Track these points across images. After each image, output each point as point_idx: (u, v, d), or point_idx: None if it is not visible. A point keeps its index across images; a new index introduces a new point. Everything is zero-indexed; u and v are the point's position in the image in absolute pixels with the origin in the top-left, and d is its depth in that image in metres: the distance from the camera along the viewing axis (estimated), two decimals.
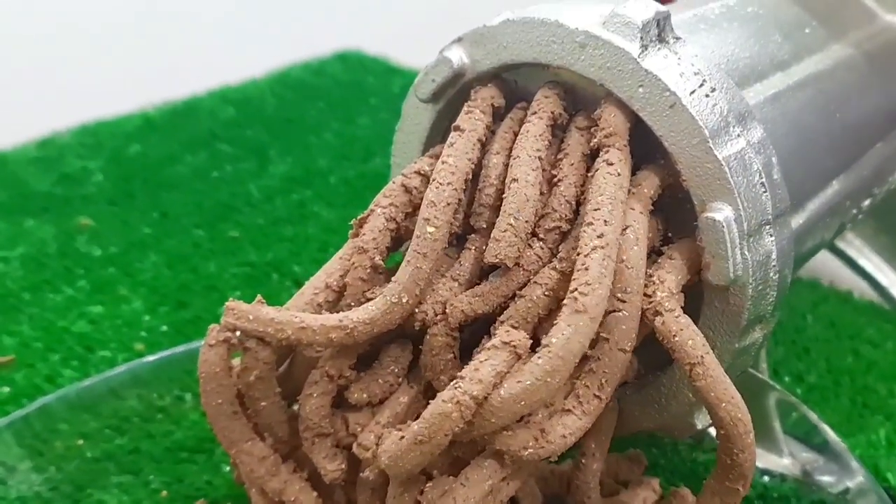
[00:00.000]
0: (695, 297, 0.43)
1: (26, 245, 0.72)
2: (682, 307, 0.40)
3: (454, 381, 0.38)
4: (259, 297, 0.42)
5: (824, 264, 0.72)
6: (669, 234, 0.44)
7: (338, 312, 0.42)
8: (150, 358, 0.58)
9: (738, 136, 0.41)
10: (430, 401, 0.38)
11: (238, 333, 0.41)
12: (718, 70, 0.43)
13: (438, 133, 0.48)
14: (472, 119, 0.44)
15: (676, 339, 0.39)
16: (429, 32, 0.57)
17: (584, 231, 0.39)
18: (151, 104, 0.93)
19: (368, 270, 0.43)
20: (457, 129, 0.44)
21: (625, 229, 0.40)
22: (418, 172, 0.44)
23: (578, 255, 0.39)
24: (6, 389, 0.58)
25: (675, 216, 0.43)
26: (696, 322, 0.42)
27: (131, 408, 0.56)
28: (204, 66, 0.98)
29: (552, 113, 0.43)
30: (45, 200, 0.78)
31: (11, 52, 0.97)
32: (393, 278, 0.42)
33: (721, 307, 0.42)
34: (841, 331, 0.67)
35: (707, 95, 0.41)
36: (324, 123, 0.92)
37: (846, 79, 0.51)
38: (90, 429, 0.54)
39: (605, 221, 0.39)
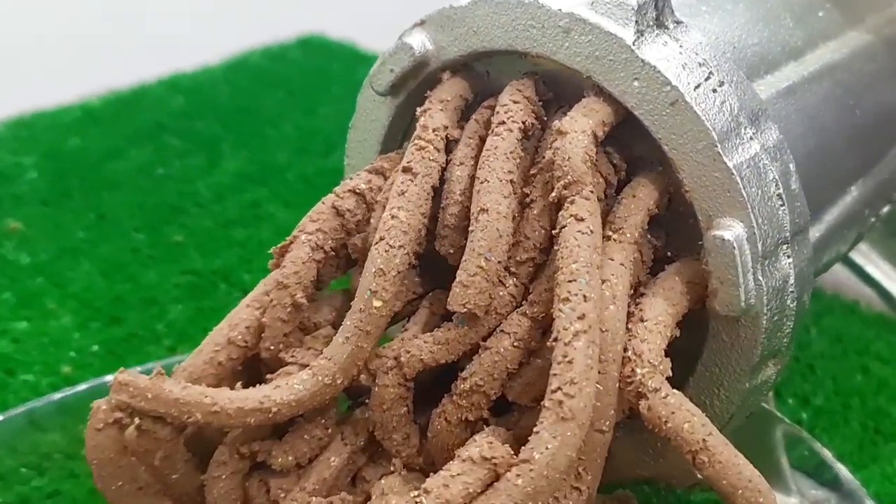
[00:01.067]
0: (698, 327, 0.36)
1: None
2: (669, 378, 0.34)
3: (416, 495, 0.31)
4: (158, 367, 0.36)
5: (828, 272, 0.66)
6: (669, 254, 0.37)
7: (247, 365, 0.37)
8: (81, 387, 0.52)
9: (751, 138, 0.35)
10: (369, 461, 0.34)
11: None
12: (726, 60, 0.37)
13: (398, 131, 0.42)
14: (426, 159, 0.37)
15: (669, 425, 0.33)
16: (400, 17, 0.50)
17: (561, 310, 0.32)
18: (95, 94, 0.86)
19: (289, 310, 0.37)
20: (407, 170, 0.37)
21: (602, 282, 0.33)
22: (353, 191, 0.39)
23: (557, 340, 0.32)
24: None
25: (675, 232, 0.37)
26: (699, 357, 0.36)
27: (53, 442, 0.50)
28: (154, 52, 0.91)
29: (522, 124, 0.36)
30: None
31: None
32: (325, 352, 0.36)
33: (730, 341, 0.36)
34: (848, 346, 0.62)
35: (714, 91, 0.35)
36: (283, 114, 0.85)
37: (864, 69, 0.45)
38: (5, 468, 0.48)
39: (585, 297, 0.32)
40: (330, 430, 0.38)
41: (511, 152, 0.36)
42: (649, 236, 0.37)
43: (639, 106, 0.35)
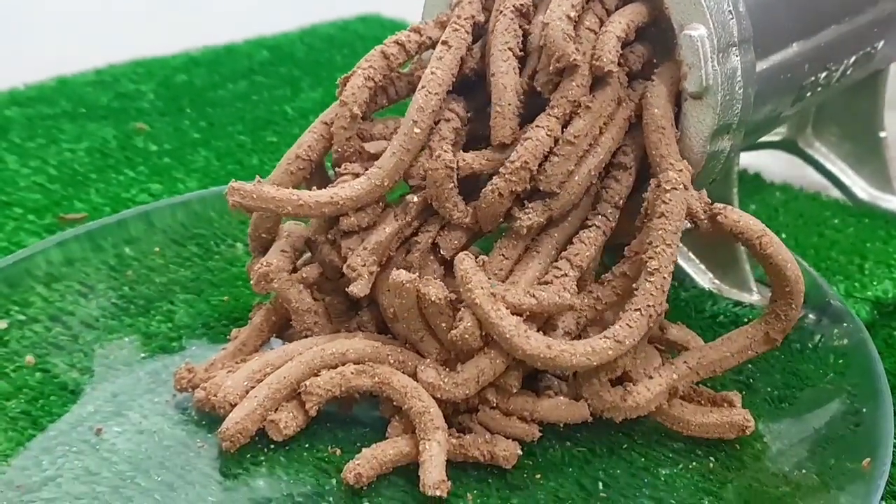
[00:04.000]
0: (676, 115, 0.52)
1: (90, 141, 0.82)
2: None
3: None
4: (258, 177, 0.49)
5: (794, 169, 0.81)
6: (654, 61, 0.53)
7: (310, 174, 0.51)
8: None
9: None
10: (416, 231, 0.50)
11: None
12: None
13: None
14: (458, 36, 0.51)
15: (740, 222, 0.49)
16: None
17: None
18: (194, 48, 1.03)
19: (349, 119, 0.50)
20: (445, 43, 0.51)
21: None
22: (397, 42, 0.52)
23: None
24: None
25: (659, 44, 0.53)
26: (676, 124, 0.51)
27: (191, 251, 0.65)
28: (240, 21, 1.08)
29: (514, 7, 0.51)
30: (105, 111, 0.88)
31: None
32: (377, 163, 0.49)
33: (696, 115, 0.51)
34: (808, 220, 0.76)
35: None
36: (350, 65, 0.99)
37: None
38: (156, 264, 0.63)
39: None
40: (382, 206, 0.51)
41: (506, 30, 0.50)
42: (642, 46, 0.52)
43: None
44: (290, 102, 0.92)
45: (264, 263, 0.52)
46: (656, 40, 0.53)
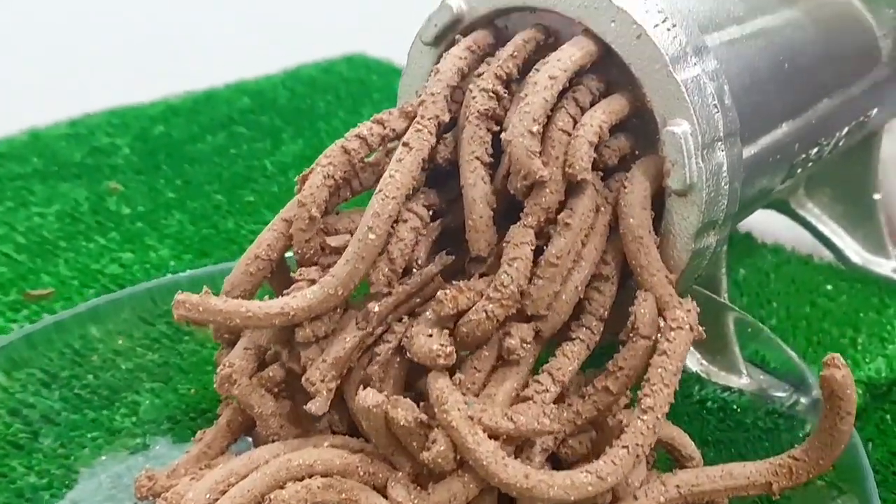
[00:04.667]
0: (662, 207, 0.49)
1: (61, 204, 0.80)
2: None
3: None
4: (205, 288, 0.47)
5: (786, 231, 0.79)
6: (637, 153, 0.51)
7: (270, 272, 0.49)
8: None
9: (695, 64, 0.49)
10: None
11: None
12: (680, 13, 0.50)
13: None
14: (420, 138, 0.49)
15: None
16: None
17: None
18: (173, 94, 1.01)
19: (307, 222, 0.48)
20: (406, 144, 0.49)
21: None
22: (357, 136, 0.49)
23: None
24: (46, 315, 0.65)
25: (641, 136, 0.50)
26: (657, 226, 0.49)
27: (161, 331, 0.62)
28: (221, 64, 1.05)
29: (484, 111, 0.49)
30: (78, 169, 0.86)
31: (42, 43, 1.05)
32: (331, 271, 0.47)
33: (680, 212, 0.49)
34: (801, 286, 0.74)
35: (668, 29, 0.48)
36: (332, 113, 0.99)
37: (794, 36, 0.58)
38: (123, 347, 0.61)
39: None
40: (341, 312, 0.48)
41: (471, 138, 0.48)
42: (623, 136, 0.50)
43: (615, 40, 0.48)
44: (270, 156, 0.90)
45: (227, 364, 0.50)
46: (638, 131, 0.51)
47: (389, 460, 0.47)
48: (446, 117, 0.50)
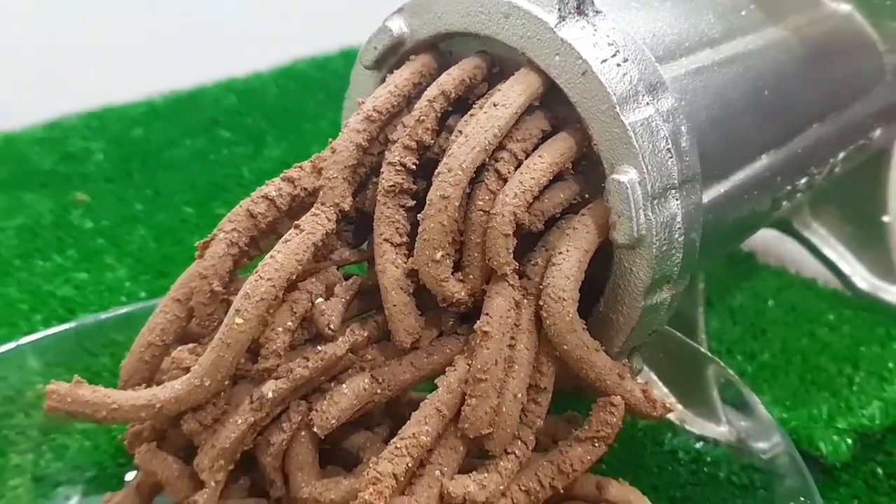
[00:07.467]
0: (607, 257, 0.45)
1: (23, 217, 0.76)
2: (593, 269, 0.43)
3: None
4: (76, 377, 0.43)
5: (790, 253, 0.73)
6: (587, 196, 0.46)
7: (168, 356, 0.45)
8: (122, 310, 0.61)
9: (648, 104, 0.43)
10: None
11: None
12: (635, 44, 0.45)
13: None
14: (315, 222, 0.45)
15: None
16: None
17: None
18: (158, 93, 0.97)
19: (209, 295, 0.44)
20: (297, 227, 0.44)
21: None
22: (265, 197, 0.45)
23: None
24: None
25: (592, 177, 0.45)
26: (606, 280, 0.45)
27: (103, 364, 0.59)
28: (211, 60, 1.02)
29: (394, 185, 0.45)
30: (46, 177, 0.82)
31: (23, 40, 1.01)
32: (199, 360, 0.43)
33: (629, 266, 0.44)
34: (801, 315, 0.69)
35: (619, 65, 0.43)
36: (321, 113, 0.95)
37: (779, 59, 0.53)
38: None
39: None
40: (226, 399, 0.44)
41: (379, 219, 0.44)
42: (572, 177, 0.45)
43: (559, 76, 0.43)
44: (251, 162, 0.86)
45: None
46: (588, 173, 0.46)
47: None
48: (347, 205, 0.46)
